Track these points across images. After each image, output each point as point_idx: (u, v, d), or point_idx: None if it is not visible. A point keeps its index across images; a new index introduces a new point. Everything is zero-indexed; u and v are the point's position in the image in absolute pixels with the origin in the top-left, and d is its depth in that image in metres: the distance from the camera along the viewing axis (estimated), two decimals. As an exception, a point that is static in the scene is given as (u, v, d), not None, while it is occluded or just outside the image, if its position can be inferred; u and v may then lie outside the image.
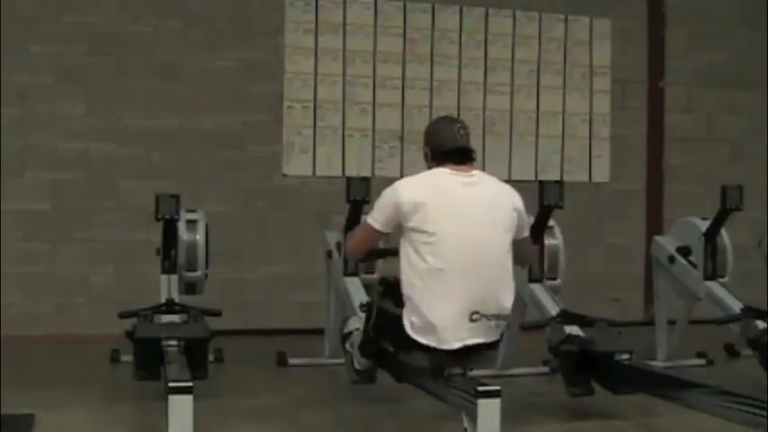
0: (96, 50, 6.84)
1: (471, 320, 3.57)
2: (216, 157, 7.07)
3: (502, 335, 3.74)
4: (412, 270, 3.59)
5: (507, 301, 3.69)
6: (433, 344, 3.57)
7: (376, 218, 3.72)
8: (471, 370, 3.72)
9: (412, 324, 3.59)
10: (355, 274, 5.41)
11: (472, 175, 3.72)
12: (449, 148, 3.73)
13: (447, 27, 7.57)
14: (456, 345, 3.58)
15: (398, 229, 3.64)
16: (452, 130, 3.79)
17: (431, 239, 3.56)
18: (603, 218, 7.80)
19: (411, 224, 3.59)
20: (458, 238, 3.57)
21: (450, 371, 3.63)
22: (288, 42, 7.24)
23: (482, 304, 3.59)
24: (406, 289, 3.60)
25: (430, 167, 3.82)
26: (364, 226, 3.87)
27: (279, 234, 7.12)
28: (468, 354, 3.63)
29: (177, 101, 6.98)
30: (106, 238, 6.83)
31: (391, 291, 3.73)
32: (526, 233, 3.93)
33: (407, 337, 3.61)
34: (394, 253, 3.76)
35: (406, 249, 3.63)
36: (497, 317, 3.63)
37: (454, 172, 3.70)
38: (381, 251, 4.08)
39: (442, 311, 3.56)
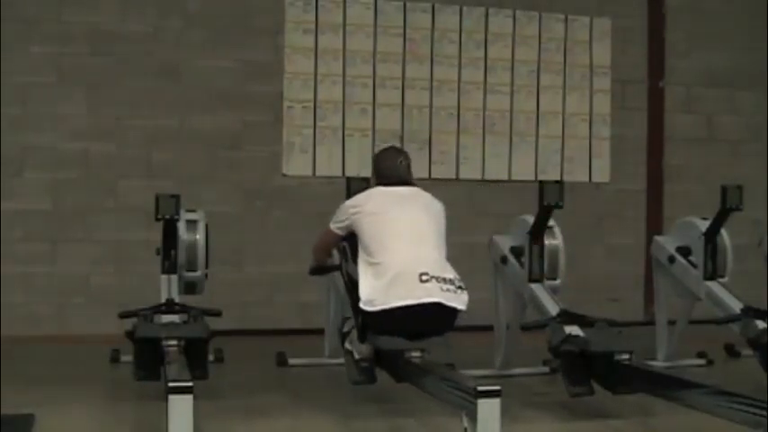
0: (96, 50, 6.84)
1: (421, 281, 4.01)
2: (216, 157, 7.07)
3: (458, 313, 4.09)
4: (362, 252, 4.18)
5: (452, 273, 4.14)
6: (386, 306, 3.96)
7: (335, 223, 4.44)
8: (439, 333, 4.14)
9: (368, 298, 4.05)
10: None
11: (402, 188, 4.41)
12: (387, 182, 4.41)
13: (447, 27, 7.57)
14: (411, 300, 3.96)
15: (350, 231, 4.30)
16: (394, 165, 4.45)
17: (375, 221, 4.20)
18: (603, 218, 7.80)
19: (357, 216, 4.26)
20: (397, 217, 4.21)
21: (415, 326, 4.06)
22: (288, 42, 7.24)
23: (427, 267, 4.07)
24: (361, 269, 4.15)
25: None
26: (327, 230, 4.53)
27: (279, 234, 7.12)
28: (427, 314, 3.97)
29: (177, 101, 6.99)
30: (106, 238, 6.83)
31: (354, 251, 4.30)
32: None
33: (364, 312, 4.08)
34: (337, 267, 4.56)
35: (358, 240, 4.23)
36: (445, 279, 4.06)
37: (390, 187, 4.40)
38: (330, 267, 4.71)
39: (396, 271, 4.03)
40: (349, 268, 4.39)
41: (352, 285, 4.29)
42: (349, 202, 4.48)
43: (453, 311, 4.12)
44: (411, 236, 4.18)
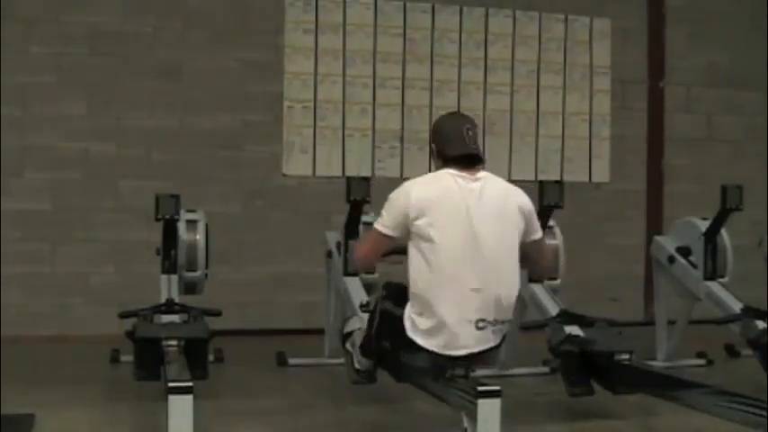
0: (96, 50, 6.85)
1: (478, 328, 3.53)
2: (216, 157, 7.07)
3: (504, 336, 3.71)
4: (419, 273, 3.55)
5: (512, 305, 3.64)
6: (436, 349, 3.54)
7: (385, 223, 3.62)
8: (474, 371, 3.69)
9: (414, 325, 3.56)
10: (355, 274, 5.41)
11: (478, 179, 3.63)
12: (456, 155, 3.64)
13: (447, 27, 7.56)
14: (462, 352, 3.55)
15: (407, 234, 3.58)
16: (460, 133, 3.68)
17: (436, 245, 3.50)
18: (603, 218, 7.80)
19: (417, 229, 3.53)
20: (463, 244, 3.51)
21: (453, 372, 3.60)
22: (288, 42, 7.23)
23: (487, 311, 3.54)
24: (413, 289, 3.56)
25: (435, 165, 3.76)
26: (372, 232, 3.71)
27: (279, 234, 7.13)
28: (471, 358, 3.62)
29: (177, 101, 6.99)
30: (106, 238, 6.83)
31: (395, 294, 3.71)
32: (536, 236, 3.77)
33: (408, 338, 3.58)
34: (403, 251, 3.65)
35: (413, 252, 3.58)
36: (502, 322, 3.61)
37: (460, 175, 3.61)
38: (391, 250, 3.80)
39: (449, 318, 3.51)
40: (386, 306, 3.76)
41: (387, 322, 3.73)
42: (410, 192, 3.58)
43: (494, 347, 3.69)
44: (479, 269, 3.52)
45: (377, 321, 3.79)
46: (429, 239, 3.51)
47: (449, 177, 3.61)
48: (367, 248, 3.82)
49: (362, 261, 4.02)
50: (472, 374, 3.66)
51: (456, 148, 3.64)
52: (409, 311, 3.58)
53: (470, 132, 3.70)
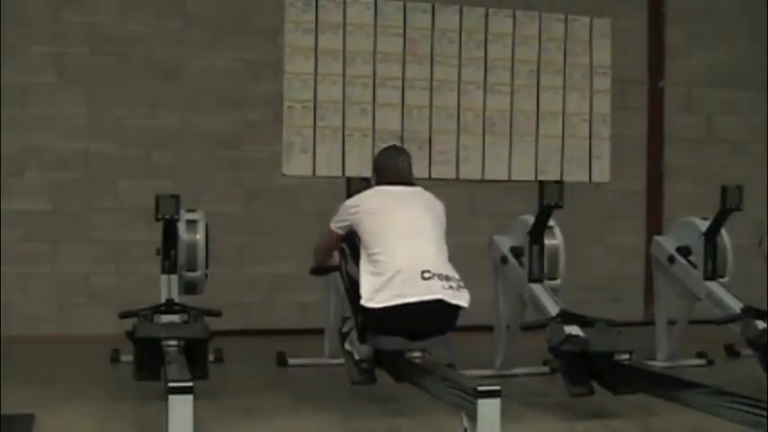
0: (96, 50, 6.85)
1: (423, 279, 4.03)
2: (216, 157, 7.07)
3: (458, 310, 4.10)
4: (363, 250, 4.17)
5: (453, 272, 4.15)
6: (389, 303, 3.96)
7: (336, 223, 4.40)
8: (429, 353, 4.10)
9: (371, 299, 4.03)
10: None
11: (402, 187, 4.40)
12: (388, 181, 4.40)
13: (447, 27, 7.57)
14: (413, 299, 3.96)
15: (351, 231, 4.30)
16: (395, 164, 4.45)
17: (376, 219, 4.19)
18: (603, 218, 7.80)
19: (358, 215, 4.25)
20: (398, 215, 4.21)
21: (411, 354, 4.05)
22: (288, 42, 7.24)
23: (430, 265, 4.08)
24: (362, 267, 4.14)
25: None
26: (328, 230, 4.47)
27: (279, 234, 7.13)
28: (428, 313, 3.97)
29: (177, 101, 6.99)
30: (106, 238, 6.83)
31: (353, 252, 4.32)
32: None
33: (364, 309, 4.06)
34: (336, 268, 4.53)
35: (359, 239, 4.24)
36: (447, 278, 4.07)
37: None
38: (331, 267, 4.65)
39: (395, 274, 4.02)
40: (349, 268, 4.38)
41: (352, 285, 4.28)
42: (349, 202, 4.46)
43: (455, 309, 4.13)
44: (412, 234, 4.18)
45: (346, 284, 4.41)
46: (368, 215, 4.22)
47: (380, 186, 4.43)
48: (322, 243, 4.59)
49: (317, 252, 4.69)
50: (438, 339, 4.10)
51: (390, 177, 4.41)
52: (362, 285, 4.10)
53: (404, 163, 4.46)
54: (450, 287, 4.09)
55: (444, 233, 4.34)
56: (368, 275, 4.11)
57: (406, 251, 4.10)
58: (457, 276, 4.18)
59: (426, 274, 4.05)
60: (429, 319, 4.06)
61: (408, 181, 4.43)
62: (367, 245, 4.19)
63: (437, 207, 4.42)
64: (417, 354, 4.16)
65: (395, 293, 4.01)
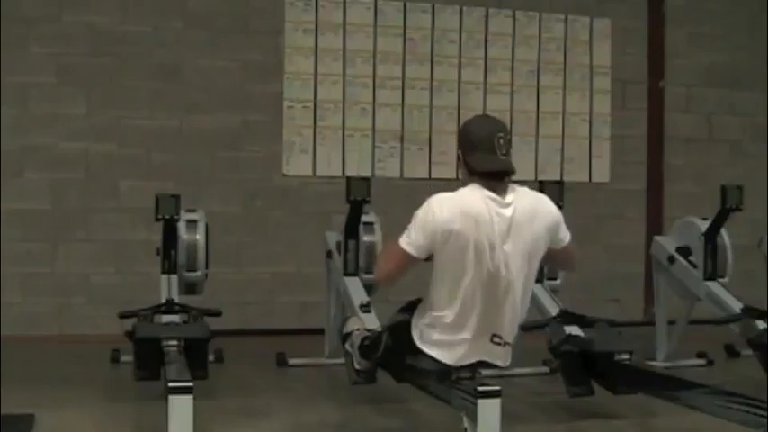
0: (96, 50, 6.84)
1: (492, 342, 3.49)
2: (216, 157, 7.07)
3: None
4: (438, 296, 3.47)
5: (517, 326, 3.62)
6: (446, 361, 3.51)
7: (411, 242, 3.43)
8: (480, 374, 3.66)
9: (422, 335, 3.52)
10: (355, 274, 5.41)
11: (508, 204, 3.45)
12: (485, 171, 3.45)
13: (447, 27, 7.57)
14: (473, 359, 3.53)
15: (431, 255, 3.45)
16: (491, 142, 3.45)
17: (460, 269, 3.41)
18: (603, 218, 7.79)
19: (442, 251, 3.41)
20: (488, 278, 3.42)
21: (459, 375, 3.58)
22: (288, 42, 7.24)
23: (501, 331, 3.52)
24: (432, 308, 3.49)
25: (461, 173, 3.59)
26: (397, 250, 3.48)
27: (279, 234, 7.12)
28: (477, 367, 3.60)
29: (177, 101, 6.98)
30: (106, 238, 6.83)
31: (410, 308, 3.64)
32: (564, 242, 3.61)
33: (415, 345, 3.53)
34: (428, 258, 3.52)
35: (436, 273, 3.48)
36: (508, 343, 3.58)
37: (491, 196, 3.43)
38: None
39: (462, 335, 3.47)
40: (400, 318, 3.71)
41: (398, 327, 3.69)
42: (441, 214, 3.39)
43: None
44: (499, 287, 3.45)
45: (390, 327, 3.74)
46: (453, 262, 3.40)
47: (479, 199, 3.42)
48: (391, 268, 3.57)
49: (385, 281, 3.69)
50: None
51: (485, 164, 3.45)
52: (418, 321, 3.54)
53: (501, 141, 3.47)
54: (506, 352, 3.58)
55: (537, 266, 3.58)
56: (429, 317, 3.50)
57: (483, 313, 3.46)
58: (517, 328, 3.65)
59: (496, 339, 3.49)
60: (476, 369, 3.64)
61: (509, 169, 3.50)
62: (442, 281, 3.46)
63: (537, 231, 3.49)
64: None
65: (456, 356, 3.50)
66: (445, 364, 3.53)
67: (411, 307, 3.64)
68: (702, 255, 5.62)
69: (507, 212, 3.43)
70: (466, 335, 3.46)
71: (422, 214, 3.43)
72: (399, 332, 3.62)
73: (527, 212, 3.47)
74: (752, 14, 8.04)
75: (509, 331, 3.53)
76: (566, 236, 3.63)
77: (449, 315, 3.45)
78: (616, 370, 4.42)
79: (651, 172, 7.99)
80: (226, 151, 7.09)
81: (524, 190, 3.55)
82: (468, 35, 7.61)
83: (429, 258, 3.48)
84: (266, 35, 7.17)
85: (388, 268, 3.58)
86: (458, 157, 3.57)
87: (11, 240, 6.58)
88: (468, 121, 3.66)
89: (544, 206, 3.56)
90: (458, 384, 3.56)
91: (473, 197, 3.42)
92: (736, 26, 8.05)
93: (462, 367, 3.55)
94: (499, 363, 3.57)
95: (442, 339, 3.49)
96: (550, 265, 3.77)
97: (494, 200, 3.42)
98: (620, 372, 4.41)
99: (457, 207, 3.40)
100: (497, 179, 3.47)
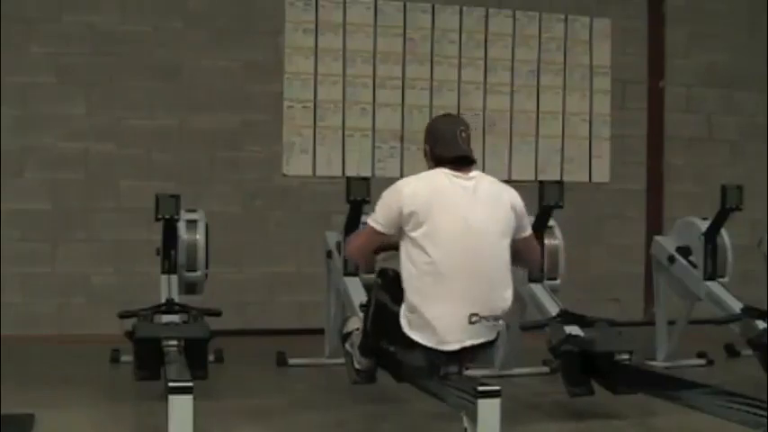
0: (96, 50, 6.84)
1: (470, 323, 3.57)
2: (216, 157, 7.07)
3: (499, 333, 3.74)
4: (411, 270, 3.60)
5: (506, 301, 3.69)
6: (430, 344, 3.58)
7: (377, 219, 3.68)
8: (467, 369, 3.72)
9: (409, 322, 3.61)
10: (355, 274, 5.41)
11: (471, 178, 3.70)
12: (449, 156, 3.71)
13: (447, 27, 7.57)
14: (455, 346, 3.59)
15: (398, 231, 3.63)
16: (454, 135, 3.75)
17: (430, 242, 3.55)
18: (603, 218, 7.80)
19: (411, 226, 3.58)
20: (456, 241, 3.57)
21: (447, 369, 3.63)
22: (288, 42, 7.24)
23: (481, 305, 3.59)
24: (406, 285, 3.61)
25: (428, 165, 3.83)
26: (366, 227, 3.81)
27: (279, 234, 7.13)
28: (465, 354, 3.64)
29: (177, 101, 6.99)
30: (106, 238, 6.83)
31: (390, 284, 3.74)
32: (527, 233, 3.85)
33: (404, 334, 3.62)
34: (395, 247, 3.70)
35: (406, 248, 3.62)
36: (495, 318, 3.65)
37: (453, 174, 3.68)
38: (383, 247, 3.84)
39: (441, 312, 3.57)
40: (381, 297, 3.80)
41: (380, 311, 3.79)
42: (403, 189, 3.65)
43: (487, 343, 3.71)
44: (471, 265, 3.57)
45: (372, 313, 3.84)
46: (422, 236, 3.56)
47: (442, 176, 3.67)
48: (358, 243, 3.91)
49: (354, 255, 4.14)
50: (466, 372, 3.68)
51: (449, 150, 3.72)
52: (404, 310, 3.63)
53: (464, 134, 3.76)
54: (495, 326, 3.65)
55: (509, 236, 3.70)
56: (410, 295, 3.60)
57: (459, 291, 3.56)
58: (505, 306, 3.69)
59: (474, 318, 3.56)
60: (466, 356, 3.69)
61: (469, 157, 3.74)
62: (416, 262, 3.59)
63: (503, 207, 3.70)
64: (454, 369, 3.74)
65: (437, 339, 3.57)
66: (437, 351, 3.58)
67: (391, 283, 3.72)
68: (702, 255, 5.62)
69: (470, 184, 3.67)
70: (445, 309, 3.55)
71: (387, 193, 3.70)
72: (388, 322, 3.70)
73: (491, 188, 3.73)
74: (752, 14, 8.04)
75: (490, 305, 3.61)
76: (528, 226, 3.86)
77: (425, 291, 3.56)
78: (616, 370, 4.42)
79: (651, 172, 7.99)
80: (226, 151, 7.09)
81: (487, 175, 3.80)
82: (468, 35, 7.61)
83: (395, 247, 3.67)
84: (266, 35, 7.17)
85: (357, 243, 3.94)
86: (425, 152, 3.85)
87: (11, 240, 6.58)
88: (433, 119, 4.08)
89: (508, 188, 3.81)
90: (449, 380, 3.60)
91: (437, 175, 3.69)
92: (737, 26, 8.05)
93: (452, 353, 3.59)
94: (485, 338, 3.63)
95: (425, 321, 3.56)
96: (517, 260, 3.81)
97: (456, 176, 3.67)
98: (620, 372, 4.40)
99: (421, 182, 3.68)
100: (460, 165, 3.70)
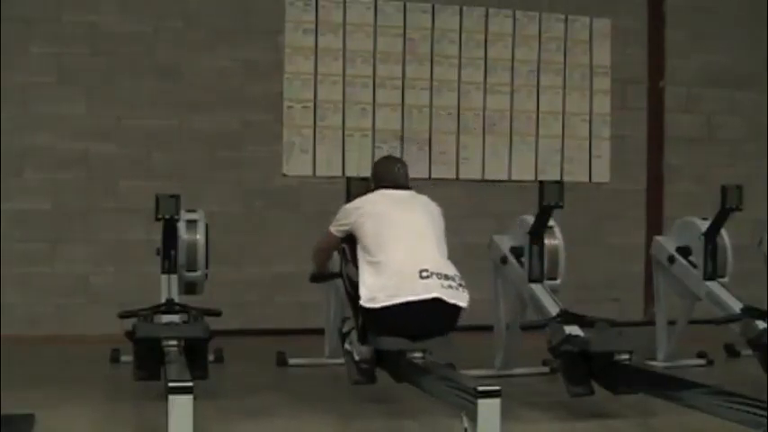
0: (96, 50, 6.84)
1: (422, 278, 4.07)
2: (216, 157, 7.07)
3: (460, 310, 4.14)
4: (362, 253, 4.25)
5: (453, 271, 4.21)
6: (387, 302, 4.00)
7: (335, 227, 4.50)
8: (430, 353, 4.13)
9: (368, 296, 4.10)
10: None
11: (405, 191, 4.56)
12: (386, 183, 4.53)
13: (447, 27, 7.57)
14: (410, 297, 4.01)
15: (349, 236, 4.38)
16: (391, 170, 4.60)
17: (375, 222, 4.27)
18: (603, 218, 7.80)
19: (358, 217, 4.34)
20: (397, 217, 4.30)
21: (412, 354, 4.08)
22: (288, 42, 7.24)
23: (428, 264, 4.14)
24: (361, 269, 4.21)
25: None
26: (326, 233, 4.57)
27: (279, 234, 7.12)
28: (426, 312, 4.00)
29: (177, 101, 6.99)
30: (106, 238, 6.83)
31: (353, 254, 4.34)
32: None
33: (364, 310, 4.11)
34: (338, 275, 4.59)
35: (357, 242, 4.31)
36: (446, 276, 4.12)
37: (389, 191, 4.51)
38: (330, 274, 4.85)
39: (393, 270, 4.11)
40: (349, 270, 4.41)
41: (353, 287, 4.31)
42: (350, 205, 4.55)
43: (455, 309, 4.15)
44: (411, 235, 4.26)
45: (346, 286, 4.44)
46: (367, 218, 4.30)
47: (381, 192, 4.52)
48: (319, 246, 4.78)
49: (315, 254, 4.89)
50: (439, 339, 4.11)
51: (387, 180, 4.55)
52: (363, 283, 4.17)
53: (400, 170, 4.61)
54: (450, 286, 4.13)
55: (443, 234, 4.42)
56: (367, 277, 4.17)
57: (404, 252, 4.18)
58: (458, 275, 4.22)
59: (424, 273, 4.10)
60: (428, 318, 4.08)
61: (405, 186, 4.56)
62: (366, 247, 4.26)
63: (434, 209, 4.54)
64: (418, 354, 4.16)
65: (392, 293, 4.06)
66: (394, 314, 4.01)
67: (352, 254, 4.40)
68: (702, 255, 5.62)
69: (405, 193, 4.53)
70: (397, 273, 4.11)
71: (342, 209, 4.55)
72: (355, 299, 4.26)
73: (422, 199, 4.55)
74: (752, 14, 8.04)
75: (435, 265, 4.17)
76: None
77: (380, 260, 4.16)
78: (616, 370, 4.42)
79: (651, 172, 7.99)
80: (226, 151, 7.09)
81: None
82: (468, 35, 7.61)
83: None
84: (266, 35, 7.17)
85: (318, 246, 4.79)
86: (369, 190, 4.62)
87: (11, 240, 6.58)
88: (375, 162, 4.95)
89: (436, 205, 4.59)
90: (413, 363, 4.06)
91: (376, 193, 4.53)
92: (736, 26, 8.05)
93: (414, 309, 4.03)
94: (445, 297, 4.10)
95: (380, 282, 4.11)
96: None
97: (393, 191, 4.51)
98: (620, 372, 4.40)
99: (364, 197, 4.55)
100: (396, 189, 4.51)
